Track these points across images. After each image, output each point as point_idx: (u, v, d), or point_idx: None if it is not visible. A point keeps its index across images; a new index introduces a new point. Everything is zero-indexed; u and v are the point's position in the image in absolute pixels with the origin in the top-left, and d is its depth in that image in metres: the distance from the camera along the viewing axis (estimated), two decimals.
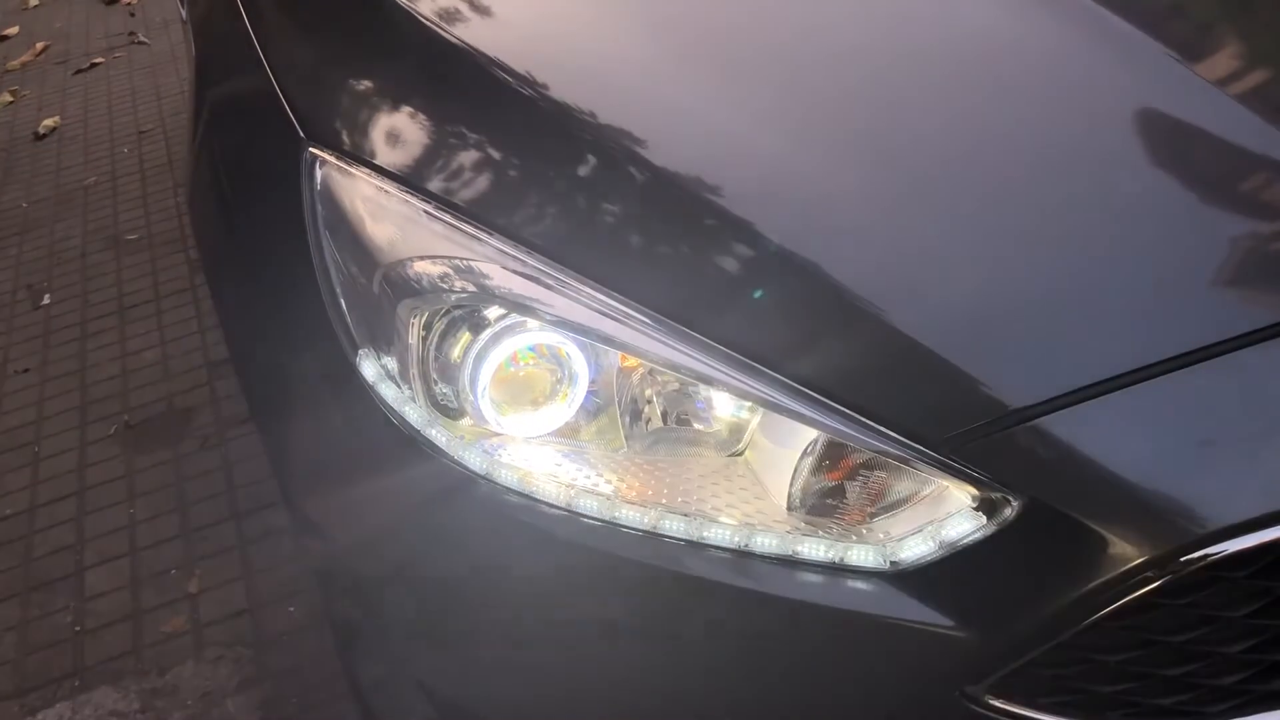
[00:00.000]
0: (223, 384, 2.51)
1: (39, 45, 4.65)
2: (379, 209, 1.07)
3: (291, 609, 1.94)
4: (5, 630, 1.99)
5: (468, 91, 1.16)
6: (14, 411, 2.54)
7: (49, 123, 3.93)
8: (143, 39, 4.56)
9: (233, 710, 1.78)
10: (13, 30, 4.86)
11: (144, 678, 1.86)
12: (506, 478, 0.95)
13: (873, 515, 0.92)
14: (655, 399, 1.00)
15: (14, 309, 2.93)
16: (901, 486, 0.91)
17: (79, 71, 4.36)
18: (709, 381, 0.92)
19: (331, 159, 1.13)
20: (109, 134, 3.81)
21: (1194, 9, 1.22)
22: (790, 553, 0.90)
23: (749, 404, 0.96)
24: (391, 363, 1.03)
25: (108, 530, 2.18)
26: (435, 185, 1.06)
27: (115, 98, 4.09)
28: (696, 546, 0.91)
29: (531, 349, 0.98)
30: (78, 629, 1.98)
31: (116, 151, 3.68)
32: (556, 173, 1.06)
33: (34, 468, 2.36)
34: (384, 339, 1.03)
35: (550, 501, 0.94)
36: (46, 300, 2.94)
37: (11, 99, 4.19)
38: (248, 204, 1.32)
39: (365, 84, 1.23)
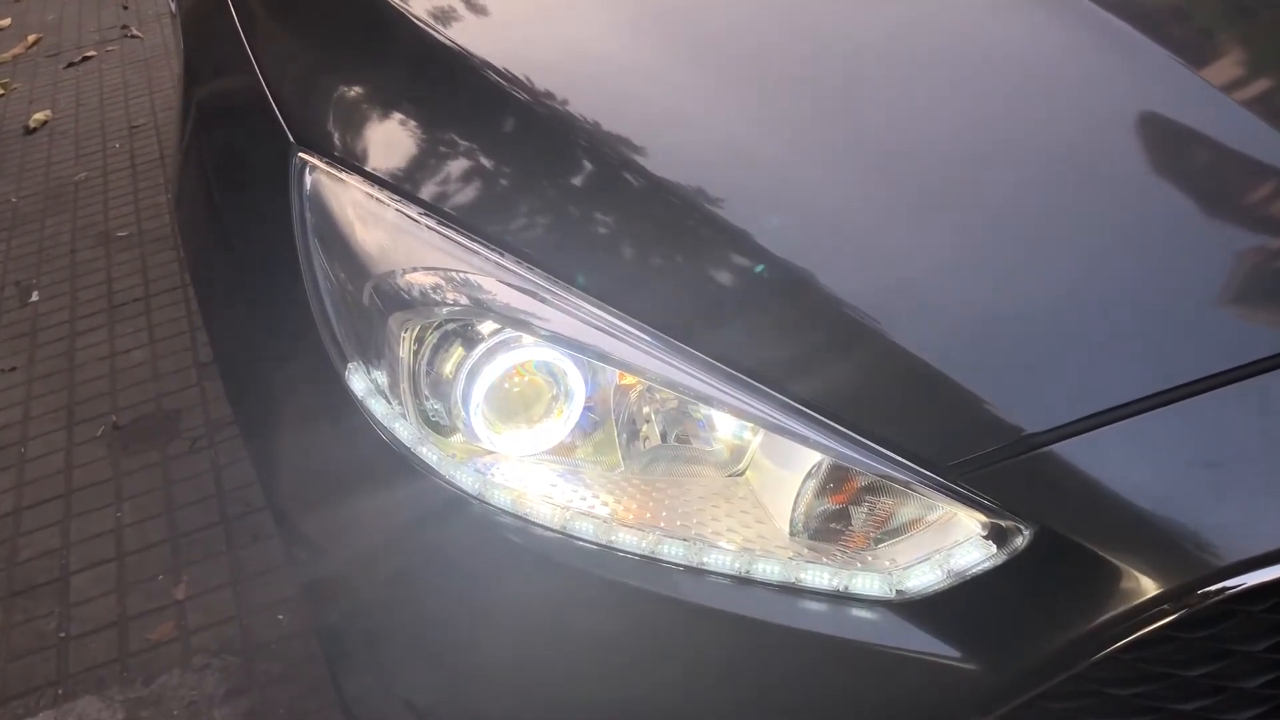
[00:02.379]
0: (212, 385, 2.47)
1: (30, 38, 4.61)
2: (370, 217, 1.04)
3: (281, 616, 1.91)
4: None
5: (462, 97, 1.13)
6: (0, 411, 2.51)
7: (40, 116, 3.89)
8: (135, 33, 4.52)
9: None
10: (4, 22, 4.82)
11: (129, 686, 1.83)
12: (499, 498, 0.93)
13: (878, 542, 0.89)
14: (653, 417, 0.98)
15: (1, 306, 2.89)
16: (908, 512, 0.88)
17: (71, 65, 4.32)
18: (709, 400, 0.89)
19: (321, 164, 1.10)
20: (100, 129, 3.77)
21: (1206, 16, 1.19)
22: (793, 580, 0.87)
23: (750, 424, 0.93)
24: (381, 377, 1.00)
25: (94, 534, 2.14)
26: (428, 193, 1.03)
27: (107, 92, 4.05)
28: (695, 572, 0.89)
29: (527, 365, 0.95)
30: (62, 635, 1.94)
31: (108, 146, 3.64)
32: (552, 182, 1.03)
33: (19, 469, 2.33)
34: (374, 352, 1.01)
35: (544, 524, 0.91)
36: (34, 297, 2.91)
37: (2, 92, 4.15)
38: (235, 209, 1.29)
39: (357, 87, 1.20)
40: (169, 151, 3.53)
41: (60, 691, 1.84)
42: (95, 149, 3.64)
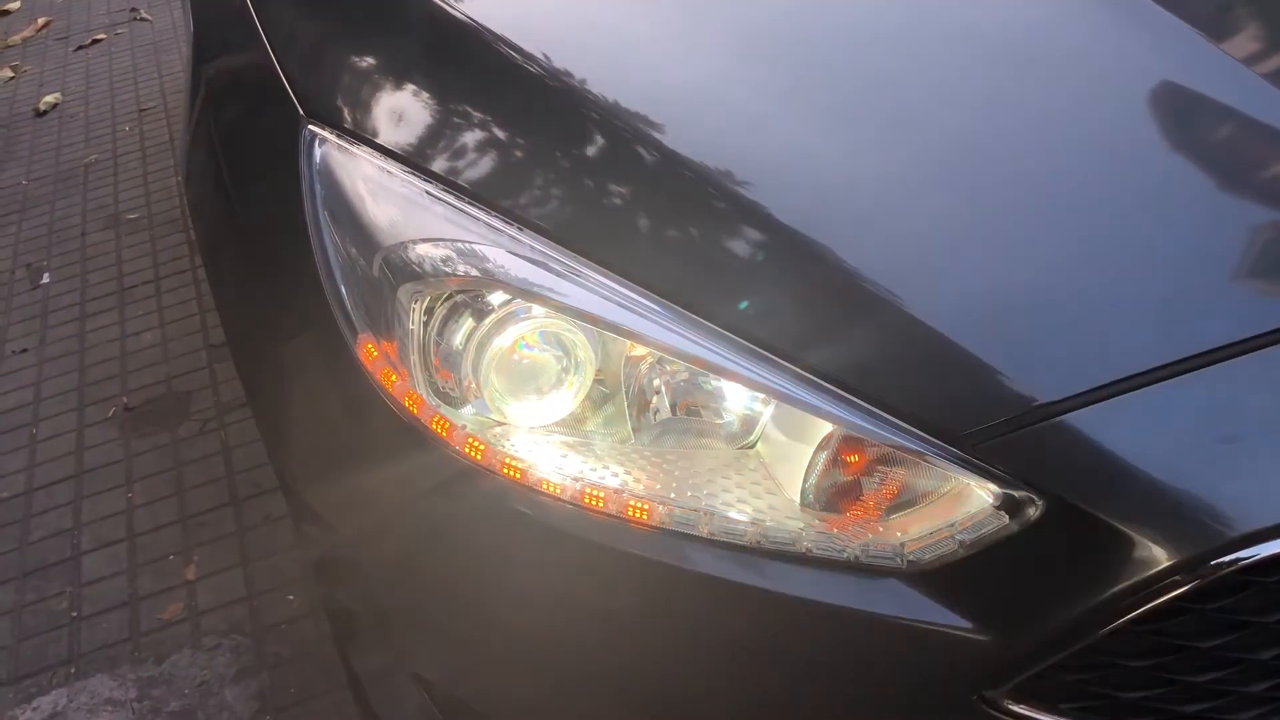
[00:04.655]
0: (222, 367, 2.47)
1: (40, 20, 4.61)
2: (380, 189, 1.04)
3: (290, 597, 1.91)
4: (1, 615, 1.96)
5: (473, 69, 1.12)
6: (11, 392, 2.51)
7: (50, 99, 3.89)
8: (145, 15, 4.51)
9: (230, 699, 1.75)
10: (14, 5, 4.82)
11: (140, 665, 1.83)
12: (509, 470, 0.92)
13: (890, 513, 0.88)
14: (664, 389, 0.97)
15: (13, 288, 2.90)
16: (920, 483, 0.88)
17: (80, 47, 4.32)
18: (720, 372, 0.89)
19: (331, 137, 1.09)
20: (110, 111, 3.77)
21: None
22: (803, 551, 0.86)
23: (761, 395, 0.93)
24: (391, 349, 0.99)
25: (105, 514, 2.15)
26: (439, 165, 1.03)
27: (117, 74, 4.05)
28: (706, 543, 0.88)
29: (536, 336, 0.95)
30: (74, 615, 1.95)
31: (118, 129, 3.64)
32: (564, 154, 1.02)
33: (31, 450, 2.33)
34: (384, 324, 1.00)
35: (554, 495, 0.91)
36: (46, 279, 2.91)
37: (12, 75, 4.16)
38: (245, 183, 1.29)
39: (367, 60, 1.20)
40: (179, 134, 3.53)
41: (72, 670, 1.85)
42: (105, 132, 3.64)
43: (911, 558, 0.85)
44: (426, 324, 0.97)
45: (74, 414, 2.42)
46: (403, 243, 0.99)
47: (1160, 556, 0.79)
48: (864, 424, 0.84)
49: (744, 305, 0.90)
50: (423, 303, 0.97)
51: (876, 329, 0.87)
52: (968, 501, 0.85)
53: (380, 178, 1.04)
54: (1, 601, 1.99)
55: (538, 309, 0.93)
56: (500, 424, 0.96)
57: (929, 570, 0.85)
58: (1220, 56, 1.02)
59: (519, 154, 1.04)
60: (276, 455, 1.27)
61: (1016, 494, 0.82)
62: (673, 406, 0.97)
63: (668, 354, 0.91)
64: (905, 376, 0.86)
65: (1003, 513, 0.83)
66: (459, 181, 1.00)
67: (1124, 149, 0.95)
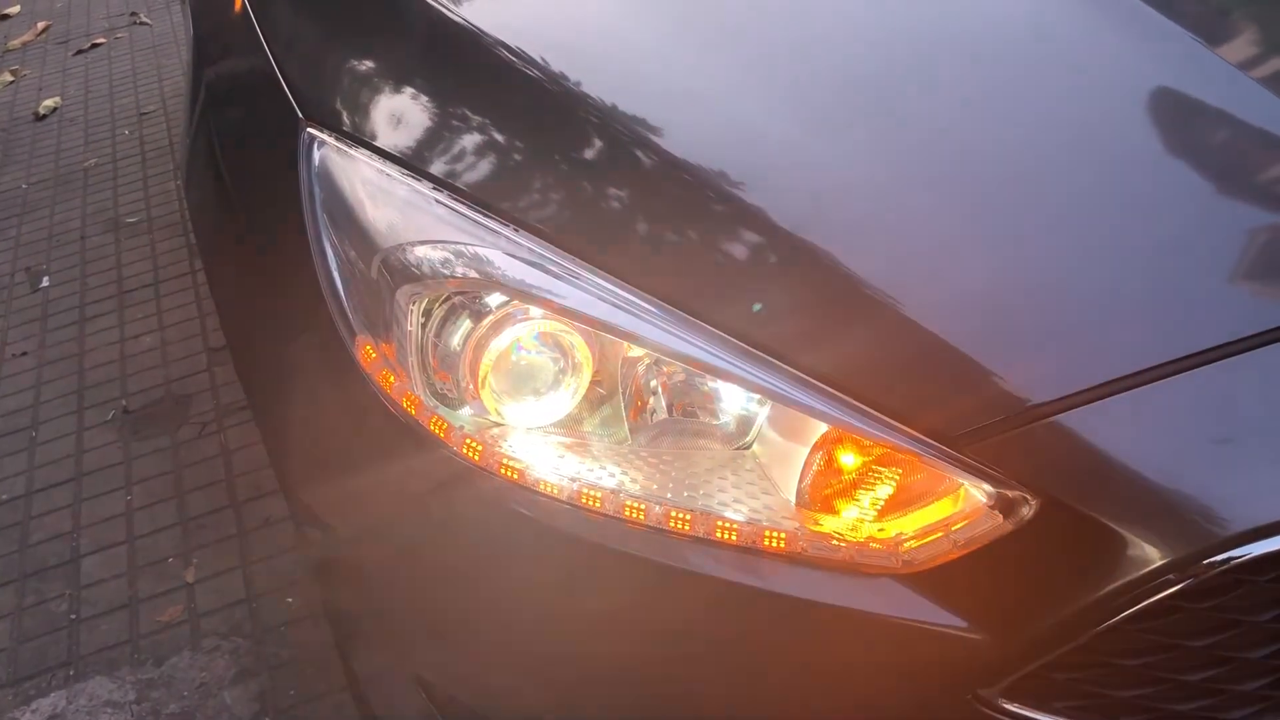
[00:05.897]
0: (222, 370, 2.48)
1: (40, 25, 4.62)
2: (379, 192, 1.04)
3: (290, 599, 1.92)
4: (0, 618, 1.97)
5: (472, 72, 1.13)
6: (11, 395, 2.52)
7: (49, 103, 3.90)
8: (144, 19, 4.52)
9: (229, 701, 1.76)
10: (14, 9, 4.83)
11: (140, 668, 1.84)
12: (507, 470, 0.93)
13: (885, 512, 0.89)
14: (660, 390, 0.98)
15: (12, 291, 2.90)
16: (915, 483, 0.88)
17: (80, 52, 4.33)
18: (716, 373, 0.90)
19: (330, 140, 1.10)
20: (110, 115, 3.78)
21: None
22: (799, 550, 0.87)
23: (757, 396, 0.93)
24: (390, 350, 1.00)
25: (105, 517, 2.15)
26: (437, 168, 1.03)
27: (116, 78, 4.05)
28: (702, 543, 0.89)
29: (534, 337, 0.95)
30: (73, 617, 1.95)
31: (117, 133, 3.65)
32: (562, 157, 1.03)
33: (30, 452, 2.34)
34: (382, 326, 1.01)
35: (552, 495, 0.92)
36: (45, 283, 2.91)
37: (12, 79, 4.16)
38: (244, 186, 1.29)
39: (366, 63, 1.21)
40: (178, 138, 3.54)
41: (71, 672, 1.85)
42: (104, 136, 3.65)
43: (906, 557, 0.85)
44: (425, 325, 0.98)
45: (73, 417, 2.43)
46: (401, 245, 1.00)
47: (1153, 555, 0.79)
48: (859, 424, 0.85)
49: (758, 308, 0.90)
50: (421, 304, 0.98)
51: (871, 330, 0.87)
52: (962, 501, 0.86)
53: (379, 180, 1.04)
54: (1, 604, 2.00)
55: (535, 310, 0.94)
56: (498, 425, 0.97)
57: (924, 570, 0.85)
58: (1214, 60, 1.03)
59: (517, 157, 1.05)
60: (276, 457, 1.28)
61: (1010, 493, 0.83)
62: (669, 407, 0.97)
63: (664, 355, 0.92)
64: (900, 377, 0.86)
65: (997, 512, 0.83)
66: (457, 184, 1.01)
67: (1118, 151, 0.96)
